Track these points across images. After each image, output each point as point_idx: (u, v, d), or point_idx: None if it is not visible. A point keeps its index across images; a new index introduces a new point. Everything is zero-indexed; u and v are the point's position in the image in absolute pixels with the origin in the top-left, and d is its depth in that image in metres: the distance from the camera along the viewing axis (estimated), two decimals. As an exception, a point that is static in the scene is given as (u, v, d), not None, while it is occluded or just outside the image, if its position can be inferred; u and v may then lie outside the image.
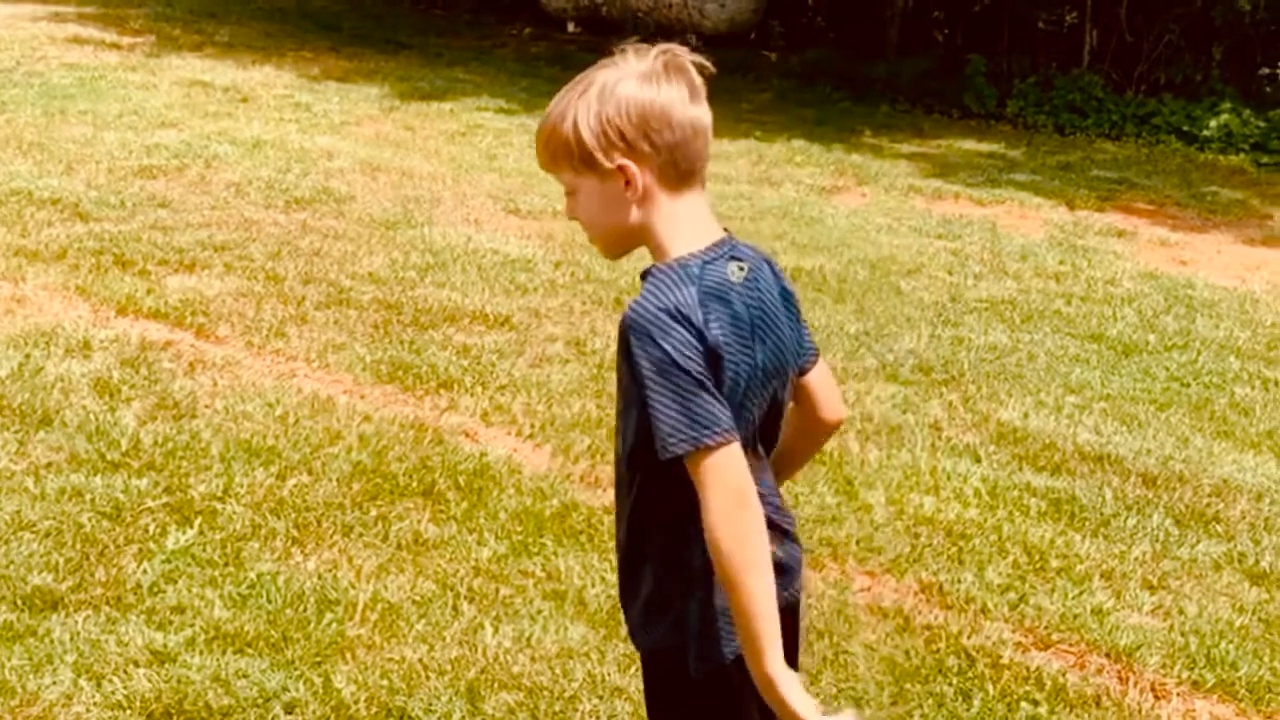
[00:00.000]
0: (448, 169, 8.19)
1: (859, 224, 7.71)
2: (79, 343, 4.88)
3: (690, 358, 1.83)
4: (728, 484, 1.84)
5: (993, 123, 11.51)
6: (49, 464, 3.97)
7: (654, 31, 13.22)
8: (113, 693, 2.95)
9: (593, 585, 3.53)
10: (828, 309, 6.06)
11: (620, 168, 1.90)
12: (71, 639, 3.12)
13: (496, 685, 3.09)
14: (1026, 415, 4.97)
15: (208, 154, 7.94)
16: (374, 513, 3.85)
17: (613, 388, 4.98)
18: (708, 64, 1.96)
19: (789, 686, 1.84)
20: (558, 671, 3.15)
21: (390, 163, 8.23)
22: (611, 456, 2.26)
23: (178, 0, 14.46)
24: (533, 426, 4.52)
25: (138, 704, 2.92)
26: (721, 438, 1.83)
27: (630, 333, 1.85)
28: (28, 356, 4.71)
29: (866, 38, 13.41)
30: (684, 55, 1.94)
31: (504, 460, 4.24)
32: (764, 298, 1.97)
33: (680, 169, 1.93)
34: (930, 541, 3.96)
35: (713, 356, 1.86)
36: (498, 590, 3.50)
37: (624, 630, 3.32)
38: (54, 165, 7.39)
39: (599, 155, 1.89)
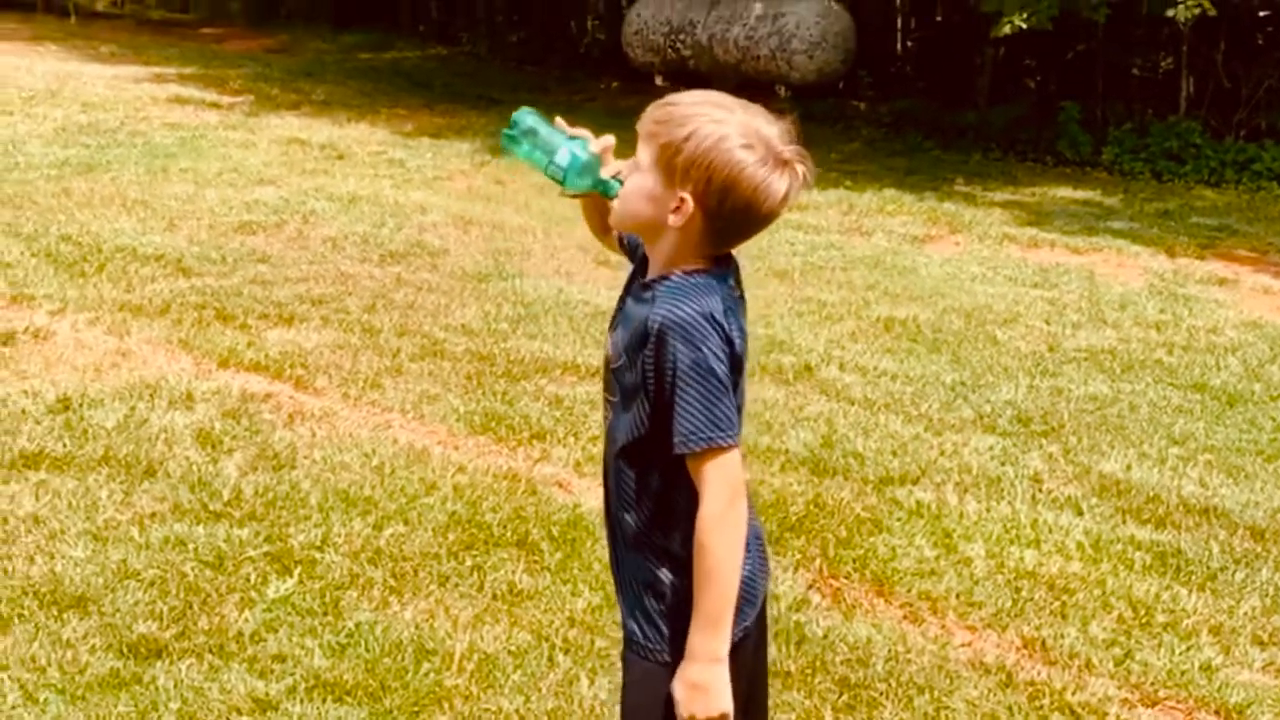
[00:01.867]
0: (538, 222, 8.27)
1: (953, 273, 7.64)
2: (182, 395, 4.98)
3: (722, 361, 1.98)
4: (728, 483, 2.00)
5: (1088, 170, 11.37)
6: (153, 514, 4.05)
7: (741, 84, 13.27)
8: (215, 740, 2.98)
9: (688, 637, 3.50)
10: (922, 359, 5.99)
11: (681, 199, 2.02)
12: (176, 686, 3.16)
13: (593, 738, 3.08)
14: (1129, 467, 4.86)
15: (305, 210, 8.11)
16: (469, 563, 3.87)
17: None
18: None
19: (725, 675, 2.04)
20: (654, 725, 3.12)
21: (482, 216, 8.34)
22: None
23: (275, 61, 14.86)
24: (626, 477, 4.51)
25: (239, 752, 2.95)
26: (732, 440, 2.00)
27: (668, 334, 1.98)
28: (133, 409, 4.82)
29: (956, 86, 13.35)
30: (807, 163, 2.04)
31: (596, 511, 4.23)
32: (746, 313, 2.14)
33: (725, 241, 2.07)
34: (1032, 596, 3.88)
35: (735, 362, 2.02)
36: (593, 641, 3.48)
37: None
38: (157, 222, 7.59)
39: (676, 176, 2.01)
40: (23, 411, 4.75)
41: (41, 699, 3.09)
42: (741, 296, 2.13)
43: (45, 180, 8.48)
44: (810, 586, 3.86)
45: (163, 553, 3.80)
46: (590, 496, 4.35)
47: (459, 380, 5.38)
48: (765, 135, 2.01)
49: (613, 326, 2.17)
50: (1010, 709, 3.30)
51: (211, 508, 4.09)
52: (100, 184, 8.45)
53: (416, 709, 3.15)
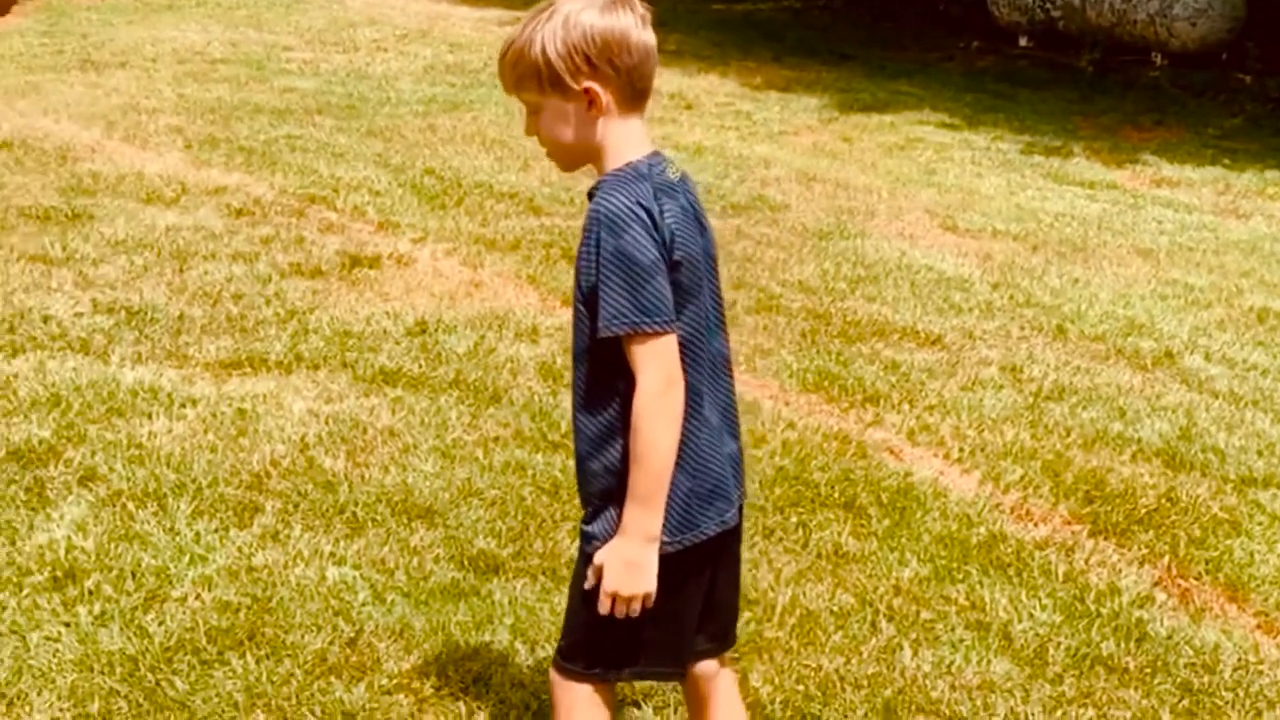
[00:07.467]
0: (884, 182, 8.11)
1: (1338, 265, 7.00)
2: (528, 328, 5.17)
3: (646, 248, 2.07)
4: (661, 367, 2.08)
5: None
6: (497, 438, 4.22)
7: (1111, 49, 12.57)
8: (545, 659, 3.07)
9: (1020, 620, 3.36)
10: (1299, 356, 5.52)
11: (585, 90, 2.14)
12: (510, 603, 3.29)
13: (914, 708, 3.00)
14: None
15: (653, 157, 8.21)
16: (794, 519, 3.84)
17: (1050, 419, 4.71)
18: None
19: (655, 555, 2.14)
20: (978, 703, 3.02)
21: (826, 173, 8.24)
22: None
23: (633, 11, 15.12)
24: (961, 450, 4.37)
25: (564, 675, 3.03)
26: (660, 326, 2.07)
27: (596, 224, 2.09)
28: (482, 337, 5.03)
29: (1354, 62, 12.17)
30: None
31: (929, 481, 4.12)
32: (695, 195, 2.24)
33: (636, 89, 2.17)
34: None
35: (667, 243, 2.11)
36: (918, 612, 3.39)
37: (1051, 670, 3.16)
38: (513, 162, 7.88)
39: (567, 78, 2.13)
40: (384, 331, 5.04)
41: (389, 600, 3.28)
42: (682, 180, 2.20)
43: (413, 115, 8.96)
44: (1156, 584, 3.63)
45: (504, 475, 3.95)
46: (923, 466, 4.24)
47: (793, 336, 5.34)
48: None
49: None
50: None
51: (550, 438, 4.23)
52: (463, 122, 8.85)
53: (736, 656, 3.13)
